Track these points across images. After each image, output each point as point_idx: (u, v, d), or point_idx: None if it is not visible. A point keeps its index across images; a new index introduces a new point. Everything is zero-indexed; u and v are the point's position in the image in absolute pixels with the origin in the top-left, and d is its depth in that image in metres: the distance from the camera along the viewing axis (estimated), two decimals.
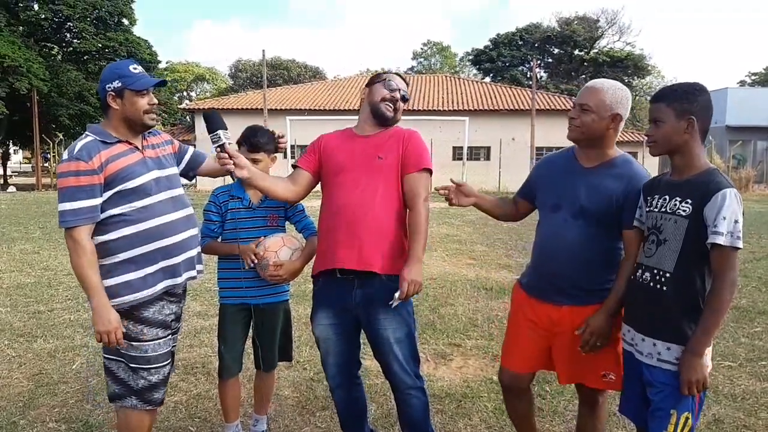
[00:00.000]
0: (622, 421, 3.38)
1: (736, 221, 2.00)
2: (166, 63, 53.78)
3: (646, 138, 2.22)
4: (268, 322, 3.00)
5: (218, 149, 2.42)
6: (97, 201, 2.31)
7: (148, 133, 2.56)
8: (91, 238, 2.32)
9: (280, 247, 2.77)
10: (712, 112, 2.18)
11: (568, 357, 2.50)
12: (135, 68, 2.41)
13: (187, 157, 2.76)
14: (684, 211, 2.11)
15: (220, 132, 2.40)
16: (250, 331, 3.06)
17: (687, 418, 2.11)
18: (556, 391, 3.74)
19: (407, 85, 2.74)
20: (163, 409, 3.52)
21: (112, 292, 2.34)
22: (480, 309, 5.80)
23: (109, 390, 2.53)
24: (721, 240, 1.99)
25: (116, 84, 2.35)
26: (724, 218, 1.99)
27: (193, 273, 2.59)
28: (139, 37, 33.05)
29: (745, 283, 6.96)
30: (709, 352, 2.11)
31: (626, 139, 27.19)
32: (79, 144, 2.34)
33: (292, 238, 2.86)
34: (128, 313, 2.39)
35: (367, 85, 2.76)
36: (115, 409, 2.59)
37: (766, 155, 26.42)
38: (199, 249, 2.64)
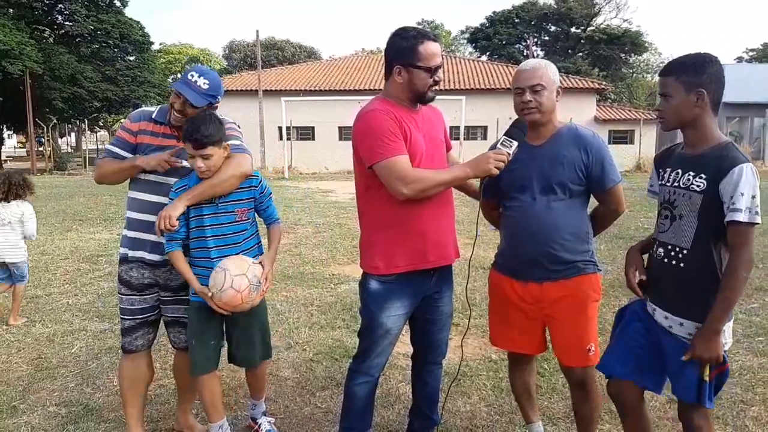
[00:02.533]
0: None
1: (753, 196, 1.97)
2: (159, 44, 53.31)
3: (656, 113, 2.19)
4: (242, 320, 2.75)
5: (500, 147, 2.38)
6: (123, 153, 2.71)
7: None
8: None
9: (247, 268, 2.54)
10: (723, 82, 2.10)
11: (560, 337, 2.57)
12: (192, 75, 2.65)
13: None
14: (698, 186, 2.07)
15: (514, 144, 2.38)
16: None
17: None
18: (554, 369, 3.76)
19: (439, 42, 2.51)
20: (164, 392, 3.53)
21: (122, 241, 2.81)
22: (478, 288, 5.80)
23: None
24: (740, 217, 1.95)
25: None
26: (742, 194, 1.95)
27: (139, 254, 2.75)
28: (131, 19, 32.66)
29: None
30: (729, 327, 2.11)
31: (623, 116, 27.12)
32: (141, 109, 2.83)
33: (253, 267, 2.59)
34: (119, 261, 2.81)
35: (401, 63, 2.41)
36: None
37: (762, 132, 26.37)
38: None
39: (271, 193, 2.82)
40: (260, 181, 2.75)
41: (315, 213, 11.62)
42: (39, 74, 26.95)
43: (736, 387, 3.55)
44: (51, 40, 31.19)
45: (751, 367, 3.87)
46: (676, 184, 2.16)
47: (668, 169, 2.23)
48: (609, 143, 23.56)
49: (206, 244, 2.63)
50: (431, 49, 2.39)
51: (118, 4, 32.64)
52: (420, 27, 2.46)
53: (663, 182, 2.24)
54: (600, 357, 2.49)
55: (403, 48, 2.41)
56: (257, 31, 25.61)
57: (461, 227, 9.49)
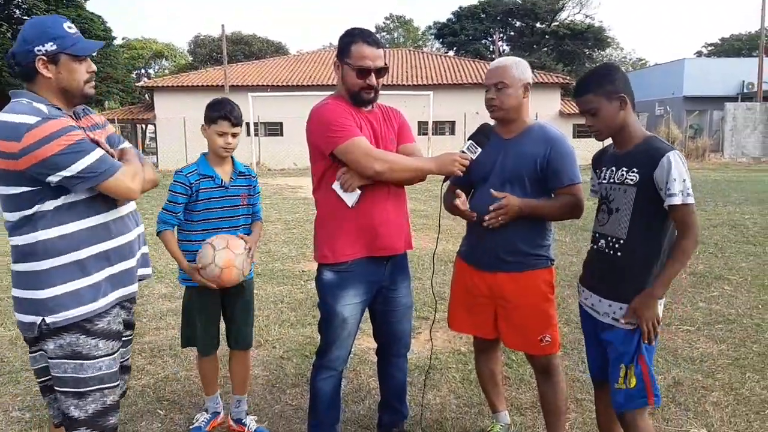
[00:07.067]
0: (585, 386, 3.47)
1: (684, 180, 2.12)
2: (122, 39, 52.27)
3: (589, 128, 2.32)
4: (241, 301, 2.99)
5: (465, 152, 2.50)
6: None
7: (82, 111, 2.20)
8: (23, 234, 1.96)
9: (229, 242, 2.72)
10: (630, 83, 2.29)
11: (508, 325, 2.67)
12: (70, 27, 2.02)
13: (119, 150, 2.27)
14: (632, 180, 2.23)
15: (478, 151, 2.51)
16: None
17: (628, 370, 2.26)
18: (521, 359, 3.82)
19: (382, 47, 2.55)
20: (131, 393, 3.48)
21: (55, 304, 1.97)
22: (447, 282, 5.78)
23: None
24: (676, 200, 2.11)
25: (49, 47, 1.95)
26: (675, 180, 2.11)
27: (147, 271, 2.34)
28: (92, 13, 31.94)
29: (702, 250, 7.17)
30: (661, 304, 2.26)
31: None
32: (35, 105, 1.92)
33: (235, 239, 2.78)
34: (78, 326, 2.01)
35: (338, 58, 2.51)
36: None
37: (722, 125, 27.05)
38: (146, 249, 2.35)
39: (260, 192, 3.08)
40: (255, 177, 3.06)
41: (284, 209, 11.55)
42: None
43: (697, 374, 3.66)
44: (9, 35, 30.30)
45: (711, 354, 3.99)
46: (611, 180, 2.33)
47: (603, 168, 2.40)
48: (573, 137, 24.02)
49: (215, 224, 2.86)
50: (362, 50, 2.45)
51: None
52: (366, 30, 2.52)
53: (600, 180, 2.41)
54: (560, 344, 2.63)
55: (341, 45, 2.51)
56: (222, 26, 25.35)
57: (429, 222, 9.58)
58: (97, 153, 1.96)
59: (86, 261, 2.02)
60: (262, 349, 4.18)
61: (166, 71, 52.96)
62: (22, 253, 1.99)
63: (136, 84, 36.50)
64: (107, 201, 2.09)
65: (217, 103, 2.83)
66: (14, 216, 1.97)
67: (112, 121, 22.44)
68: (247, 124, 22.46)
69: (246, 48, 48.40)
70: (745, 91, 30.58)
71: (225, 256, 2.67)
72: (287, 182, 17.94)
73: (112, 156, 2.08)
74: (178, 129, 23.54)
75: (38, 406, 3.34)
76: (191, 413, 3.23)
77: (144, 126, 33.05)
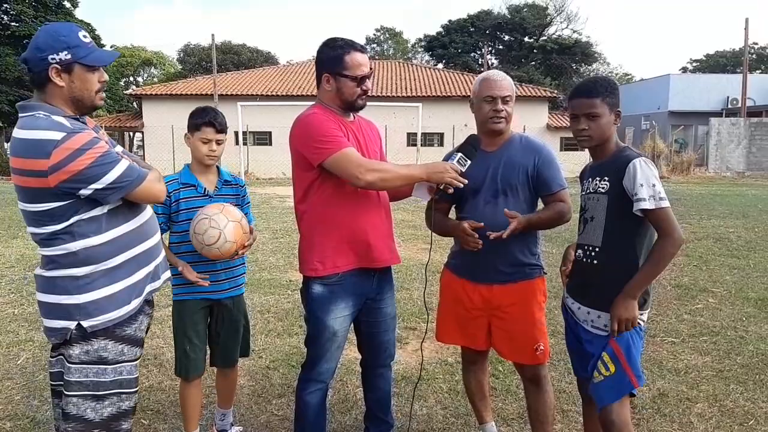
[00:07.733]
0: (571, 397, 3.48)
1: (653, 185, 2.15)
2: (111, 47, 51.98)
3: (580, 131, 2.33)
4: (231, 318, 2.90)
5: (455, 164, 2.46)
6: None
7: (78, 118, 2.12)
8: (61, 244, 1.96)
9: (225, 226, 2.55)
10: None
11: (504, 336, 2.67)
12: (85, 36, 2.01)
13: None
14: (603, 188, 2.31)
15: (468, 163, 2.48)
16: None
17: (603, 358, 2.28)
18: (509, 370, 3.83)
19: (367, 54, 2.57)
20: None
21: (94, 308, 2.00)
22: (435, 293, 5.78)
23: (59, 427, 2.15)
24: (646, 205, 2.13)
25: (64, 55, 1.93)
26: (642, 185, 2.15)
27: (168, 273, 2.36)
28: (81, 21, 31.78)
29: (686, 262, 7.24)
30: (645, 314, 2.28)
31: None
32: (55, 118, 1.91)
33: (225, 209, 2.64)
34: (108, 331, 2.04)
35: (329, 71, 2.48)
36: None
37: (706, 140, 27.37)
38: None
39: (249, 202, 3.01)
40: (244, 186, 2.99)
41: (272, 218, 11.51)
42: None
43: (682, 385, 3.69)
44: None
45: (696, 365, 4.02)
46: (588, 190, 2.39)
47: (585, 182, 2.45)
48: (560, 150, 24.25)
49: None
50: (357, 59, 2.46)
51: (68, 5, 31.74)
52: (349, 39, 2.52)
53: (581, 192, 2.47)
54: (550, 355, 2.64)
55: (331, 57, 2.48)
56: (212, 35, 25.33)
57: (418, 232, 9.59)
58: (125, 162, 2.00)
59: (125, 265, 2.07)
60: (248, 359, 4.14)
61: (155, 79, 52.73)
62: (59, 262, 2.00)
63: (125, 92, 36.37)
64: (140, 205, 2.16)
65: (200, 111, 2.79)
66: (48, 229, 1.97)
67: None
68: (236, 133, 22.43)
69: (235, 57, 48.34)
70: (730, 106, 31.01)
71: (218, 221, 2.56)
72: (275, 191, 17.89)
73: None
74: (166, 137, 23.43)
75: (20, 415, 3.30)
76: (175, 423, 3.19)
77: (132, 134, 32.87)
